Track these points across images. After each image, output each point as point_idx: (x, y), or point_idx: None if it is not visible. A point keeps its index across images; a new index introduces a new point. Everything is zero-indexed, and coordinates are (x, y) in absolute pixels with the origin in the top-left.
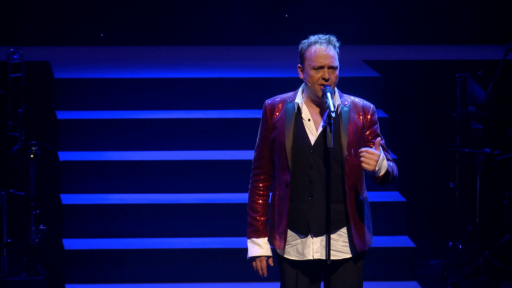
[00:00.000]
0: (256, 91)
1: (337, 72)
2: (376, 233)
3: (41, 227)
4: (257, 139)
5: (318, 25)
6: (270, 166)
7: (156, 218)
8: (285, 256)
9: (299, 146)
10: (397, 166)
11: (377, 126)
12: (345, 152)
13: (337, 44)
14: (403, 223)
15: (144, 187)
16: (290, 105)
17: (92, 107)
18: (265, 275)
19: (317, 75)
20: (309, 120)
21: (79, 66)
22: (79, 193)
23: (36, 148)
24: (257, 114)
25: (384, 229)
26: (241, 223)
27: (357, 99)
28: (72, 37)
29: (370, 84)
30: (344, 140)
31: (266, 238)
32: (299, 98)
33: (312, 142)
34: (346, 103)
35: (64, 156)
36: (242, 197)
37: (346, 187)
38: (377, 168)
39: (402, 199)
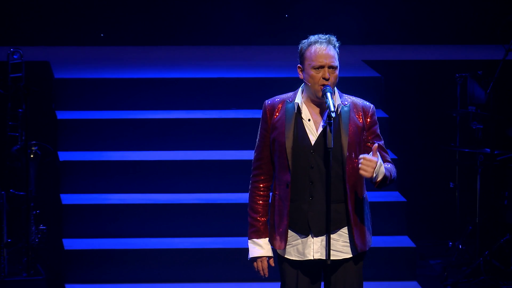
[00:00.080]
0: (256, 91)
1: (337, 72)
2: (376, 233)
3: (41, 227)
4: (257, 140)
5: (318, 25)
6: (270, 167)
7: (156, 218)
8: (285, 256)
9: (299, 146)
10: (397, 166)
11: (377, 126)
12: (346, 152)
13: (337, 44)
14: (403, 223)
15: (144, 187)
16: (290, 105)
17: (92, 107)
18: (266, 276)
19: (318, 74)
20: (309, 120)
21: (79, 66)
22: (79, 193)
23: (36, 148)
24: (257, 114)
25: (384, 229)
26: (241, 223)
27: (357, 99)
28: (72, 37)
29: (370, 84)
30: (345, 140)
31: (267, 239)
32: (299, 98)
33: (312, 142)
34: (346, 103)
35: (64, 156)
36: (242, 197)
37: (347, 187)
38: (374, 175)
39: (402, 199)
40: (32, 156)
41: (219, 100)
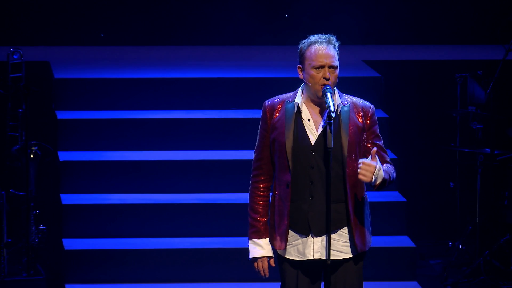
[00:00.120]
0: (256, 91)
1: (337, 71)
2: (376, 233)
3: (41, 227)
4: (257, 140)
5: (318, 25)
6: (270, 167)
7: (156, 218)
8: (286, 256)
9: (299, 146)
10: (397, 166)
11: (377, 126)
12: (346, 152)
13: (337, 44)
14: (403, 223)
15: (144, 187)
16: (289, 105)
17: (92, 107)
18: (267, 276)
19: (318, 74)
20: (309, 120)
21: (79, 66)
22: (79, 193)
23: (36, 148)
24: (257, 114)
25: (384, 229)
26: (241, 223)
27: (356, 99)
28: (72, 37)
29: (370, 84)
30: (345, 140)
31: (268, 239)
32: (299, 98)
33: (313, 142)
34: (346, 103)
35: (64, 156)
36: (242, 197)
37: (347, 187)
38: (373, 180)
39: (402, 199)
40: (32, 156)
41: (219, 100)
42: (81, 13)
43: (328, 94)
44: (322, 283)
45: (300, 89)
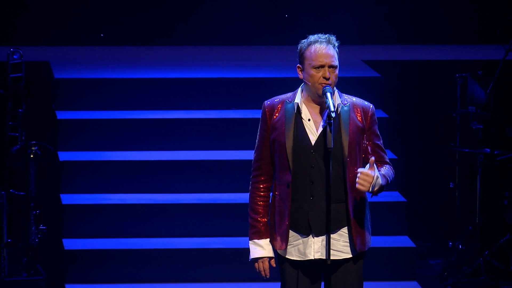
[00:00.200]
0: (256, 91)
1: (337, 71)
2: (376, 233)
3: (41, 227)
4: (257, 140)
5: (318, 25)
6: (270, 167)
7: (156, 218)
8: (286, 256)
9: (299, 146)
10: (397, 166)
11: (376, 126)
12: (346, 152)
13: (337, 44)
14: (403, 223)
15: (144, 187)
16: (289, 105)
17: (92, 107)
18: (268, 276)
19: (318, 74)
20: (309, 120)
21: (79, 66)
22: (79, 193)
23: (36, 148)
24: (257, 114)
25: (384, 229)
26: (241, 223)
27: (356, 99)
28: (72, 37)
29: (370, 84)
30: (345, 140)
31: (268, 239)
32: (299, 98)
33: (313, 142)
34: (346, 102)
35: (64, 156)
36: (242, 197)
37: (347, 187)
38: (370, 190)
39: (402, 199)
40: (32, 156)
41: (219, 100)
42: (81, 13)
43: (328, 94)
44: (322, 283)
45: (299, 89)
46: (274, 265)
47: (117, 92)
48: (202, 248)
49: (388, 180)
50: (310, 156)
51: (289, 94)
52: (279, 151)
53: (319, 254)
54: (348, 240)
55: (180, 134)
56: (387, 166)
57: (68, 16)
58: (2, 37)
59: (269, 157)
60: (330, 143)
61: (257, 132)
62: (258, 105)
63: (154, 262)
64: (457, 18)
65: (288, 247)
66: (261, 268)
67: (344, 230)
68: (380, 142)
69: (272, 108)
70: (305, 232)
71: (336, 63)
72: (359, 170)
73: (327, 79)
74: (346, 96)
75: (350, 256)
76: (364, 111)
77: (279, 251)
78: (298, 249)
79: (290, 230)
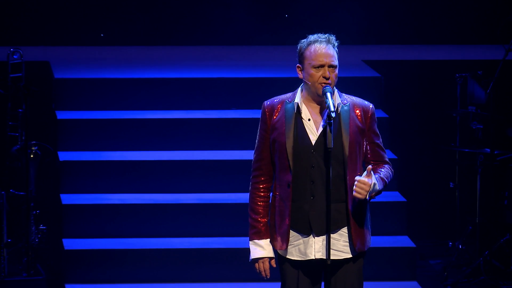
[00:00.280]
0: (256, 91)
1: (336, 71)
2: (376, 233)
3: (41, 227)
4: (256, 141)
5: (318, 25)
6: (270, 167)
7: (155, 218)
8: (287, 256)
9: (300, 146)
10: (397, 166)
11: (376, 125)
12: (347, 152)
13: (336, 44)
14: (403, 223)
15: (144, 187)
16: (289, 105)
17: (92, 107)
18: (268, 277)
19: (318, 73)
20: (309, 120)
21: (79, 66)
22: (79, 193)
23: (36, 148)
24: (257, 114)
25: (384, 229)
26: (241, 223)
27: (356, 99)
28: (72, 37)
29: (370, 84)
30: (346, 140)
31: (268, 240)
32: (298, 98)
33: (313, 142)
34: (346, 102)
35: (64, 156)
36: (242, 197)
37: (348, 186)
38: (367, 197)
39: (402, 199)
40: (32, 156)
41: (219, 100)
42: (81, 13)
43: (328, 94)
44: (323, 283)
45: (299, 89)
46: (275, 266)
47: (117, 92)
48: (202, 248)
49: (386, 182)
50: (311, 156)
51: (288, 94)
52: (279, 151)
53: (320, 254)
54: (348, 240)
55: (180, 134)
56: (387, 166)
57: (68, 16)
58: (2, 37)
59: (269, 157)
60: (330, 143)
61: (257, 132)
62: (258, 105)
63: (154, 262)
64: (457, 18)
65: (288, 247)
66: (262, 269)
67: (344, 230)
68: (380, 141)
69: (272, 108)
70: (305, 232)
71: (336, 62)
72: (356, 178)
73: (327, 78)
74: (346, 96)
75: (350, 256)
76: (364, 110)
77: (279, 251)
78: (299, 249)
79: (290, 230)
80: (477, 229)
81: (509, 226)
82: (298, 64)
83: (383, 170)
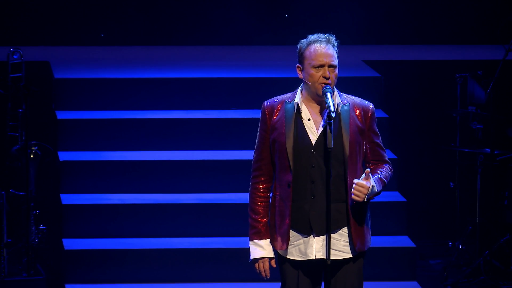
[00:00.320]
0: (256, 91)
1: (336, 71)
2: (376, 233)
3: (41, 227)
4: (256, 141)
5: (318, 25)
6: (270, 167)
7: (155, 218)
8: (287, 256)
9: (300, 146)
10: (397, 166)
11: (376, 124)
12: (347, 152)
13: (336, 43)
14: (403, 223)
15: (144, 187)
16: (289, 105)
17: (92, 107)
18: (268, 277)
19: (318, 73)
20: (309, 119)
21: (79, 66)
22: (79, 193)
23: (36, 148)
24: (257, 114)
25: (384, 229)
26: (241, 223)
27: (356, 99)
28: (72, 37)
29: (370, 84)
30: (346, 139)
31: (268, 240)
32: (298, 98)
33: (313, 142)
34: (346, 102)
35: (64, 156)
36: (242, 197)
37: (348, 186)
38: (366, 200)
39: (402, 199)
40: (32, 156)
41: (219, 100)
42: (81, 13)
43: (328, 94)
44: (323, 283)
45: (299, 89)
46: (275, 266)
47: (117, 92)
48: (202, 248)
49: (385, 183)
50: (311, 155)
51: (288, 94)
52: (279, 151)
53: (321, 253)
54: (348, 240)
55: (180, 134)
56: (386, 165)
57: (68, 16)
58: (2, 37)
59: (269, 158)
60: (330, 143)
61: (257, 132)
62: (258, 105)
63: (154, 262)
64: (457, 18)
65: (288, 247)
66: (262, 269)
67: (345, 229)
68: (380, 141)
69: (272, 109)
70: (306, 232)
71: (336, 62)
72: (355, 181)
73: (327, 78)
74: (346, 96)
75: (351, 256)
76: (364, 110)
77: (279, 251)
78: (299, 249)
79: (290, 230)
80: (477, 229)
81: (509, 226)
82: (298, 64)
83: (382, 170)
